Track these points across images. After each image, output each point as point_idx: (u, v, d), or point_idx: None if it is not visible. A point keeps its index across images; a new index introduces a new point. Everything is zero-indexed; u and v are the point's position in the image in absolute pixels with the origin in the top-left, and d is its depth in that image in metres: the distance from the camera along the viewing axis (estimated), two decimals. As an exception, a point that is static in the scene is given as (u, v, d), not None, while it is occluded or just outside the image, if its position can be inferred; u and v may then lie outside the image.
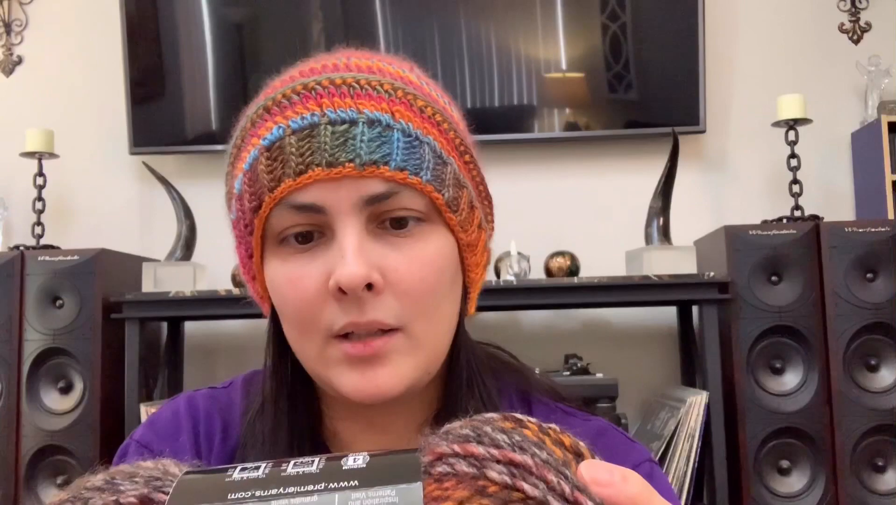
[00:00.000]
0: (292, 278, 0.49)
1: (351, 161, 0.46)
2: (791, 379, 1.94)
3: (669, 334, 2.33)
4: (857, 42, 2.47)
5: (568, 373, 2.05)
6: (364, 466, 0.27)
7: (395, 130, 0.48)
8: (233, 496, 0.25)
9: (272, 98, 0.52)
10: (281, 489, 0.26)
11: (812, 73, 2.44)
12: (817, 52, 2.46)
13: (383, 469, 0.26)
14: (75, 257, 2.04)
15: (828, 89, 2.43)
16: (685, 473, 1.86)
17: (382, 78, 0.50)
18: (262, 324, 0.56)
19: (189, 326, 2.36)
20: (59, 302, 2.03)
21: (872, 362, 1.93)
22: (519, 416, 0.29)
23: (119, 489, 0.28)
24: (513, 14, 2.37)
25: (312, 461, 0.28)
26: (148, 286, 2.10)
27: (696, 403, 1.90)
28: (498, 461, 0.26)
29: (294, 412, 0.54)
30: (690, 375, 2.19)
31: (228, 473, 0.27)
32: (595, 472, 0.28)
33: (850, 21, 2.47)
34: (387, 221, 0.49)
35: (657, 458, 1.87)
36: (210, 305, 2.04)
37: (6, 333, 2.02)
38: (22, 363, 2.01)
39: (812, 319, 1.93)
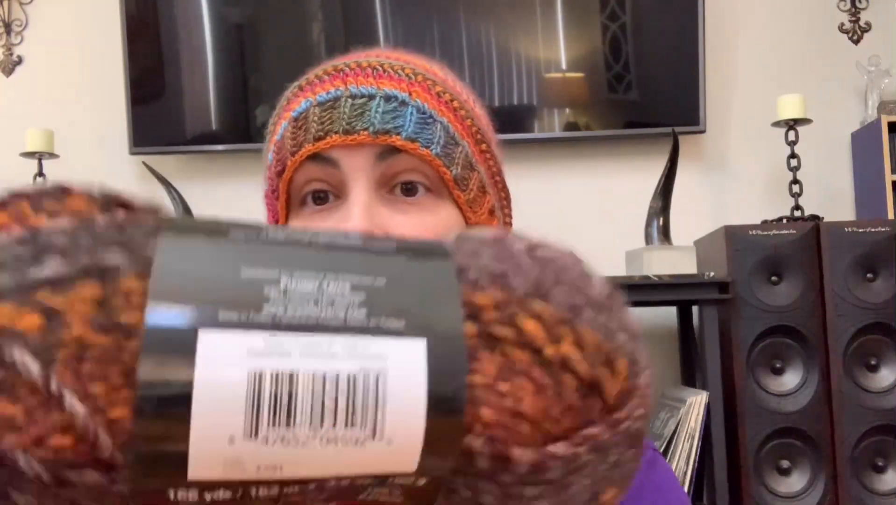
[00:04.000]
0: None
1: (366, 129, 0.50)
2: (791, 379, 1.94)
3: (669, 334, 2.33)
4: (857, 42, 2.47)
5: (568, 373, 2.05)
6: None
7: (409, 106, 0.51)
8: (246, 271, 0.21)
9: (306, 79, 0.56)
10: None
11: (812, 73, 2.44)
12: (817, 52, 2.46)
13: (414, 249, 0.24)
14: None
15: (828, 89, 2.43)
16: (685, 473, 1.86)
17: (405, 64, 0.54)
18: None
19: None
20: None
21: (872, 362, 1.93)
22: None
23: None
24: (513, 14, 2.37)
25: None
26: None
27: (696, 403, 1.90)
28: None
29: None
30: (690, 375, 2.19)
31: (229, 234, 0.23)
32: None
33: (850, 21, 2.47)
34: (397, 188, 0.51)
35: (657, 458, 1.86)
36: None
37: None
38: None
39: (812, 319, 1.93)
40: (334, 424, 0.20)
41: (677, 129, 2.20)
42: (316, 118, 0.51)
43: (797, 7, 2.48)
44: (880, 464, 1.90)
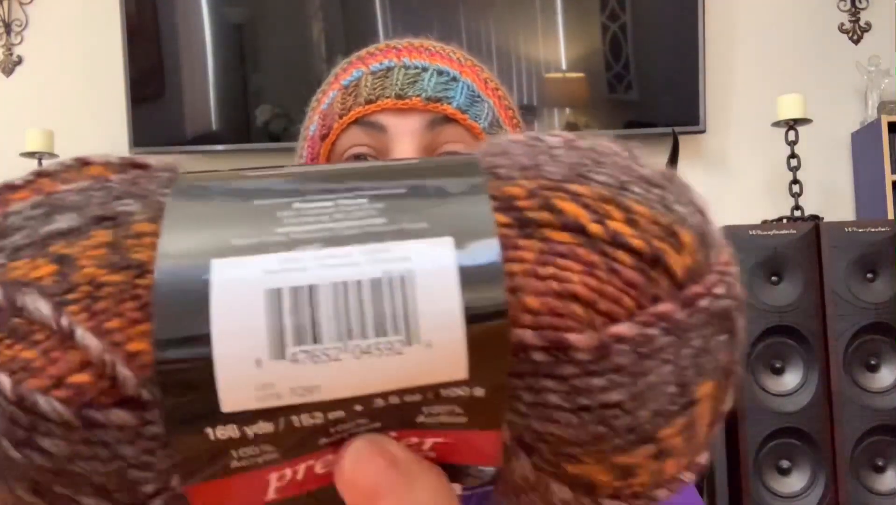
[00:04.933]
0: None
1: (418, 96, 0.51)
2: (791, 379, 1.94)
3: (669, 334, 2.33)
4: (857, 42, 2.47)
5: (568, 373, 2.05)
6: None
7: (460, 82, 0.53)
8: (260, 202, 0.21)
9: (357, 55, 0.57)
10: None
11: (812, 73, 2.44)
12: (817, 52, 2.46)
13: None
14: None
15: (828, 89, 2.43)
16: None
17: (456, 49, 0.57)
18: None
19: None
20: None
21: (872, 362, 1.93)
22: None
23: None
24: (513, 14, 2.37)
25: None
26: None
27: (696, 403, 1.90)
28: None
29: None
30: (690, 375, 2.19)
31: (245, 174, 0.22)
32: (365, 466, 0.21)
33: (850, 21, 2.47)
34: None
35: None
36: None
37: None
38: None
39: (812, 319, 1.93)
40: (364, 334, 0.18)
41: (677, 129, 2.20)
42: (368, 84, 0.52)
43: (797, 7, 2.48)
44: (880, 464, 1.90)
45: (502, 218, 0.21)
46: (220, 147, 2.40)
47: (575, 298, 0.20)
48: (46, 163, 0.24)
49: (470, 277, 0.19)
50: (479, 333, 0.19)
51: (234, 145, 2.39)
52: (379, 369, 0.19)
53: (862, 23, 2.47)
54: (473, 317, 0.19)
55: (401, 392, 0.19)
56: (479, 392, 0.20)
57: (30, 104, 2.52)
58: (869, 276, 1.95)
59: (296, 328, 0.18)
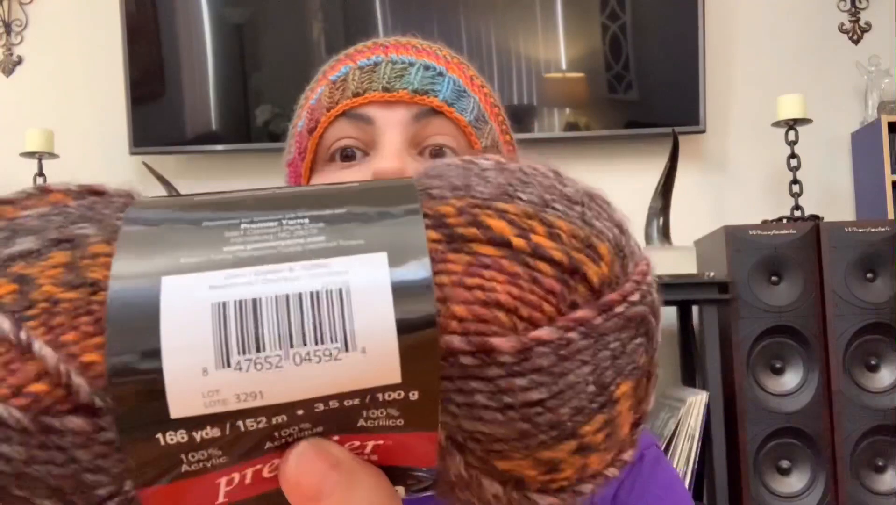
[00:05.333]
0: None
1: (405, 89, 0.52)
2: (791, 379, 1.94)
3: (669, 334, 2.33)
4: (857, 42, 2.47)
5: (568, 373, 2.05)
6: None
7: (445, 77, 0.54)
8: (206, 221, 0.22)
9: (345, 52, 0.57)
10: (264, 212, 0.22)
11: (812, 73, 2.44)
12: (817, 52, 2.46)
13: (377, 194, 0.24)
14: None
15: (828, 89, 2.43)
16: (685, 473, 1.86)
17: (442, 47, 0.57)
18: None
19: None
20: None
21: (872, 362, 1.93)
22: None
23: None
24: (513, 14, 2.37)
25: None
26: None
27: (696, 403, 1.90)
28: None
29: None
30: (690, 375, 2.19)
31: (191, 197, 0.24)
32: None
33: (850, 21, 2.47)
34: (426, 151, 0.52)
35: (657, 458, 1.86)
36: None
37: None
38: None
39: (812, 319, 1.94)
40: (304, 342, 0.20)
41: (677, 129, 2.20)
42: (355, 78, 0.52)
43: (797, 7, 2.48)
44: (880, 464, 1.90)
45: (433, 234, 0.22)
46: (220, 147, 2.40)
47: (499, 305, 0.22)
48: (8, 191, 0.25)
49: (402, 291, 0.21)
50: (410, 341, 0.20)
51: (234, 145, 2.39)
52: (318, 375, 0.20)
53: (862, 23, 2.47)
54: (405, 326, 0.20)
55: (340, 396, 0.21)
56: (413, 395, 0.21)
57: (30, 104, 2.52)
58: (869, 276, 1.95)
59: (240, 338, 0.20)
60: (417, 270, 0.21)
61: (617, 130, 2.38)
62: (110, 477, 0.20)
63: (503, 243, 0.22)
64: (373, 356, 0.20)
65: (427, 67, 0.53)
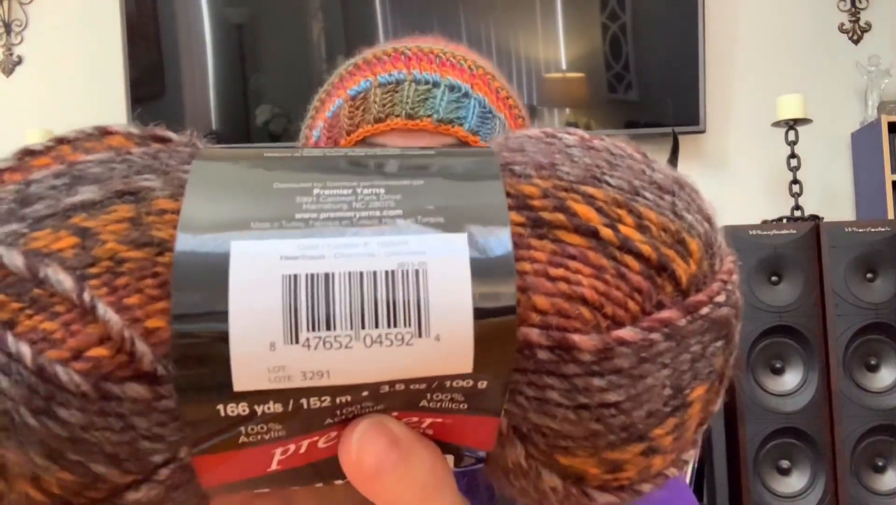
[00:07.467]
0: None
1: (429, 116, 0.49)
2: (791, 379, 1.94)
3: (669, 334, 2.33)
4: (857, 42, 2.47)
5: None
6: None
7: (471, 99, 0.51)
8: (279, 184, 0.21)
9: (363, 58, 0.55)
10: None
11: (812, 73, 2.44)
12: (817, 52, 2.46)
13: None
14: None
15: (828, 89, 2.43)
16: (685, 472, 1.86)
17: (466, 55, 0.54)
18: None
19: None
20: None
21: (872, 362, 1.93)
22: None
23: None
24: (513, 14, 2.37)
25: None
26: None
27: (696, 403, 1.90)
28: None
29: None
30: (690, 375, 2.19)
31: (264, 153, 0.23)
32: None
33: (850, 21, 2.47)
34: None
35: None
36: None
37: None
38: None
39: (812, 319, 1.93)
40: (376, 324, 0.19)
41: (677, 129, 2.20)
42: (377, 99, 0.50)
43: (797, 7, 2.48)
44: (880, 464, 1.90)
45: (516, 217, 0.21)
46: (219, 147, 2.40)
47: (583, 300, 0.20)
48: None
49: (482, 269, 0.19)
50: (487, 329, 0.19)
51: (234, 145, 2.38)
52: (388, 359, 0.19)
53: (862, 23, 2.47)
54: (483, 312, 0.19)
55: (407, 381, 0.20)
56: (482, 385, 0.20)
57: (30, 104, 2.52)
58: (869, 276, 1.95)
59: (311, 315, 0.19)
60: (499, 249, 0.20)
61: (617, 130, 2.38)
62: (166, 444, 0.20)
63: (590, 233, 0.21)
64: (446, 344, 0.19)
65: (452, 88, 0.51)
